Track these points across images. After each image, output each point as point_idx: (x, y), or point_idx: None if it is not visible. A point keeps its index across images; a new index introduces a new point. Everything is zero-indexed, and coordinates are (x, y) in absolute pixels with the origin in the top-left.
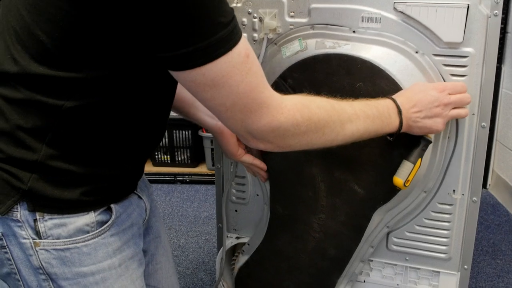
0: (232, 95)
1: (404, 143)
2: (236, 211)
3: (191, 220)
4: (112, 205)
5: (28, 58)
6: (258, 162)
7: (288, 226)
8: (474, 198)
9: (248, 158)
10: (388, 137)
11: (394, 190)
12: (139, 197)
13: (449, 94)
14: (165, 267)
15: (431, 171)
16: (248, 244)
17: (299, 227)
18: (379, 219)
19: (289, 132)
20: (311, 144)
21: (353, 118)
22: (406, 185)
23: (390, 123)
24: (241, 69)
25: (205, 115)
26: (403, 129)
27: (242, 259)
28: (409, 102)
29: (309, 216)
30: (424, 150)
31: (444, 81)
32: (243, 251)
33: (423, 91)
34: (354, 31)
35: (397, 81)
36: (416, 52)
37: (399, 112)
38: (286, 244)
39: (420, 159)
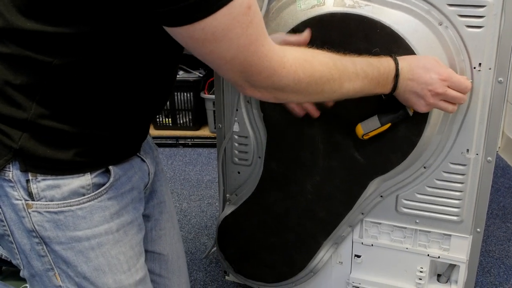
0: (232, 49)
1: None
2: (238, 173)
3: (194, 184)
4: (110, 167)
5: (15, 11)
6: (292, 105)
7: (280, 184)
8: (489, 158)
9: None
10: (383, 96)
11: (394, 162)
12: (142, 160)
13: (449, 87)
14: (170, 233)
15: (441, 128)
16: (236, 195)
17: (292, 187)
18: (374, 188)
19: (289, 87)
20: (308, 99)
21: (352, 77)
22: (365, 138)
23: (385, 86)
24: (242, 21)
25: None
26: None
27: (228, 209)
28: (409, 72)
29: (304, 177)
30: (398, 119)
31: (466, 51)
32: (230, 201)
33: (426, 69)
34: None
35: (415, 52)
36: (440, 24)
37: (396, 76)
38: (277, 201)
39: (389, 124)
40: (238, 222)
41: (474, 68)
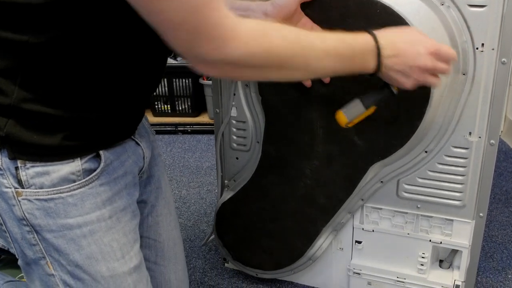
0: (182, 10)
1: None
2: (237, 158)
3: (193, 170)
4: (101, 152)
5: None
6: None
7: (279, 169)
8: (492, 141)
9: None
10: (368, 76)
11: (395, 146)
12: (137, 143)
13: (437, 59)
14: (166, 219)
15: (443, 111)
16: (235, 181)
17: (290, 172)
18: (374, 173)
19: (241, 63)
20: (266, 78)
21: (321, 55)
22: (349, 125)
23: (364, 65)
24: None
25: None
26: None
27: (226, 195)
28: (392, 48)
29: (302, 161)
30: (383, 101)
31: (469, 31)
32: (228, 186)
33: (411, 43)
34: None
35: None
36: (442, 4)
37: (378, 54)
38: (275, 187)
39: (375, 107)
40: (236, 208)
41: (477, 48)
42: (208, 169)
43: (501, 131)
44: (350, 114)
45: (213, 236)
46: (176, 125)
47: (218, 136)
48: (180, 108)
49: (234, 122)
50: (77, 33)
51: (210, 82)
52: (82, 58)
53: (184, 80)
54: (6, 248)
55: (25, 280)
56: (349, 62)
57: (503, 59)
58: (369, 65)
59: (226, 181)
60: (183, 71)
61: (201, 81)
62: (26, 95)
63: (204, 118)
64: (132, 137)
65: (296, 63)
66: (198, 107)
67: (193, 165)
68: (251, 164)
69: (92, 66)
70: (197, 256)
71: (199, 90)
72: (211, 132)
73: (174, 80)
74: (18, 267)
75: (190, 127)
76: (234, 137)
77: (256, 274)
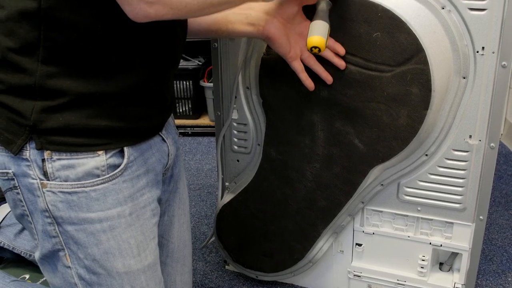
0: None
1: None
2: (238, 161)
3: (194, 173)
4: (125, 148)
5: None
6: (304, 76)
7: (279, 171)
8: (492, 144)
9: (298, 66)
10: None
11: (395, 149)
12: (163, 139)
13: None
14: (179, 221)
15: (443, 114)
16: (235, 183)
17: (291, 174)
18: (374, 176)
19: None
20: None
21: None
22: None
23: None
24: None
25: (244, 25)
26: None
27: (227, 197)
28: None
29: (303, 164)
30: (331, 6)
31: (469, 34)
32: (229, 189)
33: None
34: None
35: (417, 36)
36: (443, 8)
37: None
38: (275, 189)
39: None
40: (237, 210)
41: (477, 52)
42: (208, 171)
43: (501, 134)
44: (323, 33)
45: (213, 238)
46: (177, 127)
47: (219, 139)
48: (181, 110)
49: (235, 124)
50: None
51: (211, 84)
52: (100, 25)
53: (184, 82)
54: (10, 248)
55: (28, 280)
56: None
57: (503, 63)
58: None
59: (226, 183)
60: (184, 73)
61: (202, 83)
62: (50, 70)
63: (204, 120)
64: (160, 133)
65: None
66: (199, 109)
67: (194, 167)
68: (252, 166)
69: (112, 33)
70: (197, 258)
71: (200, 92)
72: (211, 134)
73: (175, 82)
74: (21, 267)
75: (190, 129)
76: (235, 140)
77: (257, 276)
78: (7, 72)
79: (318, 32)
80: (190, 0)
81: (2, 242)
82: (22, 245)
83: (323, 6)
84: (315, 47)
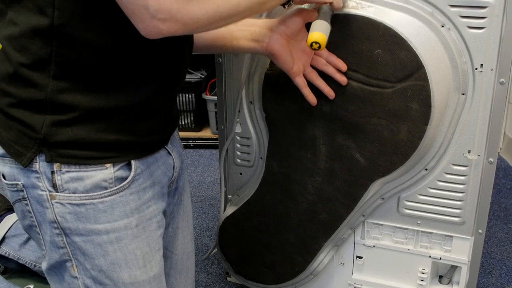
0: None
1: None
2: (240, 174)
3: (196, 185)
4: (132, 161)
5: None
6: (307, 92)
7: (281, 184)
8: (491, 159)
9: (301, 82)
10: (284, 7)
11: (396, 164)
12: (169, 152)
13: None
14: (183, 232)
15: (443, 130)
16: (238, 196)
17: (293, 187)
18: (375, 190)
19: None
20: (218, 11)
21: None
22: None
23: None
24: None
25: (248, 42)
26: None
27: (229, 210)
28: None
29: (305, 177)
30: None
31: (468, 52)
32: (231, 201)
33: None
34: None
35: (418, 54)
36: (442, 26)
37: None
38: (277, 202)
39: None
40: (239, 223)
41: (476, 69)
42: (210, 183)
43: (500, 148)
44: (326, 30)
45: (215, 250)
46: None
47: (223, 152)
48: (183, 123)
49: (238, 138)
50: (98, 14)
51: (213, 97)
52: (111, 41)
53: (187, 95)
54: (15, 258)
55: None
56: None
57: (501, 79)
58: None
59: (229, 196)
60: (186, 86)
61: (204, 96)
62: (61, 85)
63: (206, 133)
64: (165, 146)
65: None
66: (201, 122)
67: (196, 179)
68: (255, 179)
69: (123, 49)
70: (199, 270)
71: (202, 105)
72: (213, 146)
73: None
74: (25, 277)
75: (192, 142)
76: (238, 153)
77: None
78: (18, 87)
79: (319, 29)
80: (201, 16)
81: (7, 253)
82: (27, 255)
83: (326, 9)
84: (316, 43)
